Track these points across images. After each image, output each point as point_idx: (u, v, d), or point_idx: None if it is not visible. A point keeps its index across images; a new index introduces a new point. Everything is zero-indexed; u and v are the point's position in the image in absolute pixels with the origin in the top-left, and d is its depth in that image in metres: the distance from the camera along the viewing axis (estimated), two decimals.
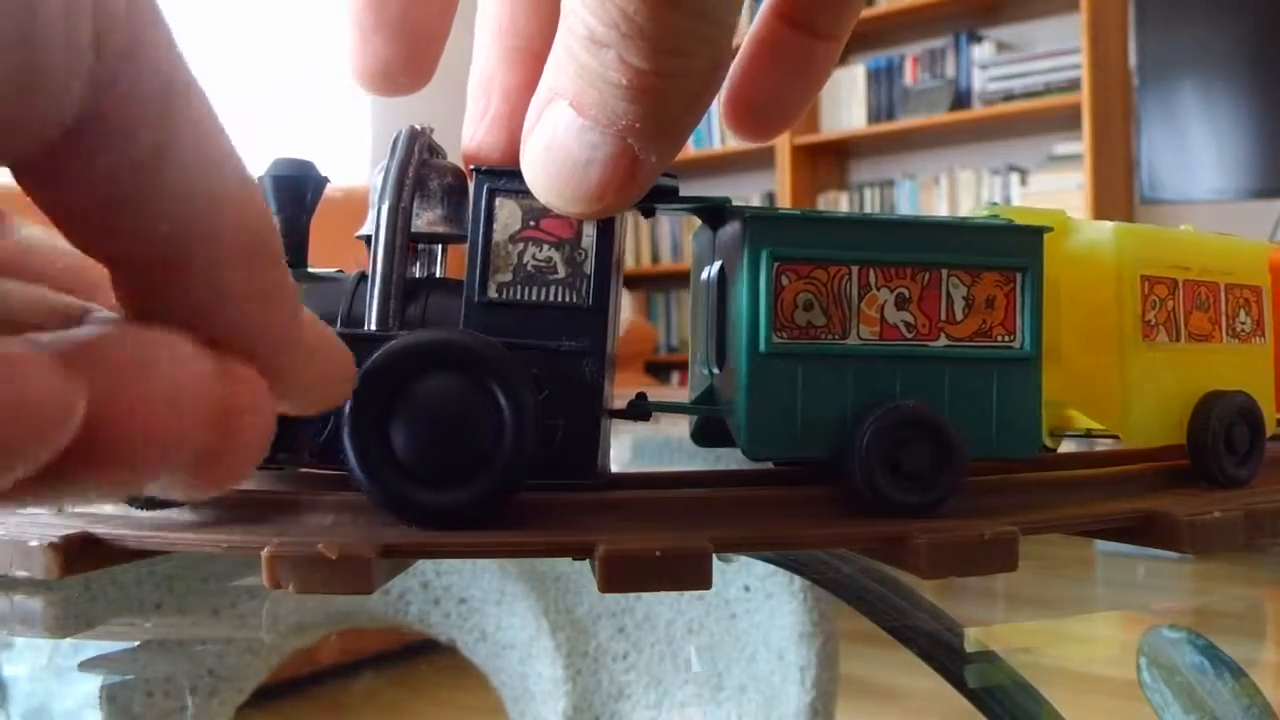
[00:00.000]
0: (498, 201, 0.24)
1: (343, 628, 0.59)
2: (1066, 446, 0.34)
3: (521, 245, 0.24)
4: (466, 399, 0.23)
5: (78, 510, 0.24)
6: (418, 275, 0.27)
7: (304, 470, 0.26)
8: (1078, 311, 0.30)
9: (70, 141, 0.11)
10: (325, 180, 0.27)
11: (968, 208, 2.77)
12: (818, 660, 0.60)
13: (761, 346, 0.25)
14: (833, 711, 0.61)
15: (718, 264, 0.27)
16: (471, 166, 0.24)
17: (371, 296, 0.25)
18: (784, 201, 2.90)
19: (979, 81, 2.74)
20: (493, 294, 0.24)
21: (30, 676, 0.47)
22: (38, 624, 0.39)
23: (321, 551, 0.21)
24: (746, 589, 0.62)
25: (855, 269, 0.25)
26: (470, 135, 0.25)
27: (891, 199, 2.97)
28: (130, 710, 0.47)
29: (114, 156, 0.12)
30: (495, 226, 0.24)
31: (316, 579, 0.21)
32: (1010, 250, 0.26)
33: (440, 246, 0.28)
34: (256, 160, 0.18)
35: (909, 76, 2.89)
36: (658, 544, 0.21)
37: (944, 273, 0.26)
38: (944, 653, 0.41)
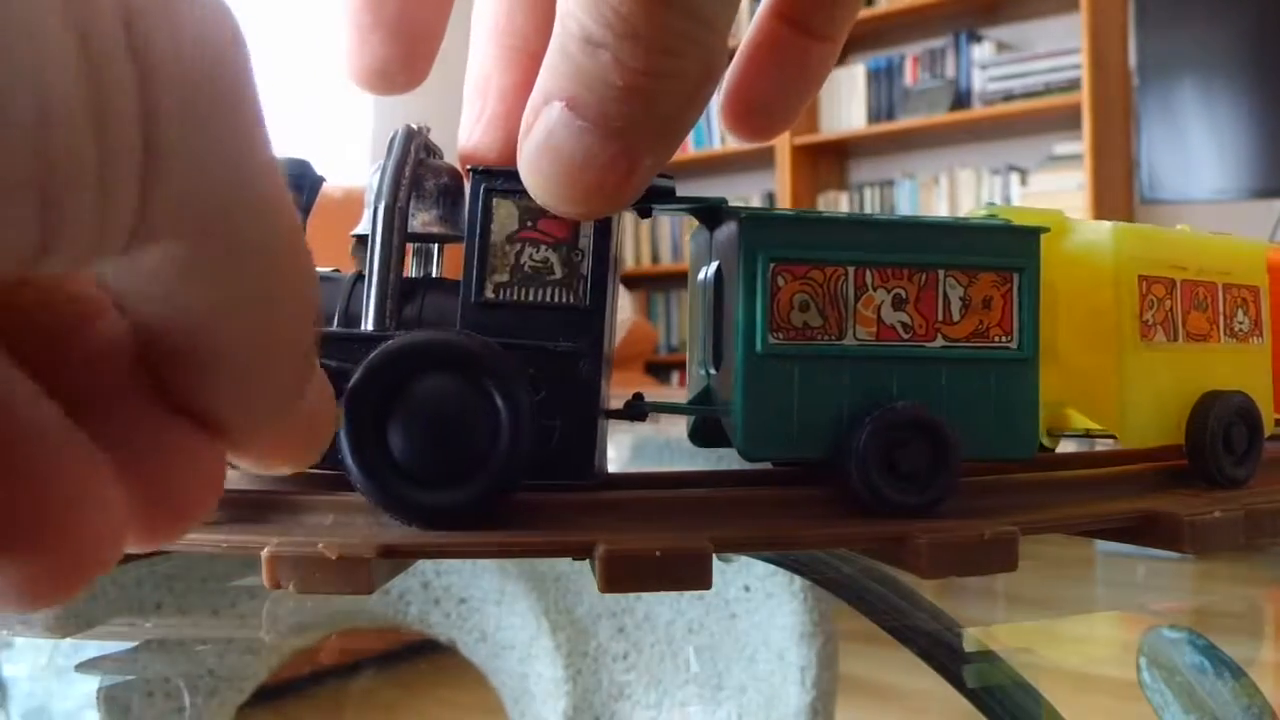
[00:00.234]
0: (495, 202, 0.24)
1: (343, 628, 0.59)
2: (1065, 446, 0.34)
3: (518, 246, 0.24)
4: (463, 399, 0.23)
5: None
6: (414, 275, 0.27)
7: (304, 470, 0.26)
8: (1075, 311, 0.30)
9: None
10: (321, 179, 0.27)
11: (968, 208, 2.77)
12: (818, 660, 0.60)
13: (758, 347, 0.25)
14: (833, 711, 0.61)
15: (715, 264, 0.27)
16: (468, 167, 0.24)
17: (368, 296, 0.25)
18: (784, 201, 2.90)
19: (979, 81, 2.74)
20: (489, 294, 0.24)
21: (30, 676, 0.47)
22: (37, 624, 0.39)
23: (321, 551, 0.21)
24: (746, 589, 0.62)
25: (852, 270, 0.25)
26: (467, 135, 0.25)
27: (891, 199, 2.97)
28: (129, 711, 0.47)
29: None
30: (492, 227, 0.24)
31: (316, 579, 0.21)
32: (1007, 251, 0.26)
33: (437, 246, 0.28)
34: None
35: (909, 76, 2.89)
36: (658, 544, 0.21)
37: (941, 273, 0.26)
38: (944, 653, 0.41)
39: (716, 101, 0.24)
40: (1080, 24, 2.49)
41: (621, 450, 0.55)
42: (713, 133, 3.07)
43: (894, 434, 0.25)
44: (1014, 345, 0.26)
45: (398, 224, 0.25)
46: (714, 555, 0.22)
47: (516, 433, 0.22)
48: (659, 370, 3.11)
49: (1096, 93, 2.47)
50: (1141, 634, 0.43)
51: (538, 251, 0.24)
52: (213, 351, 0.12)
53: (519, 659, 0.64)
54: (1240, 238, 0.34)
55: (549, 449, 0.24)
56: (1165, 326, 0.30)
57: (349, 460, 0.22)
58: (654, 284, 3.27)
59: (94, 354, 0.12)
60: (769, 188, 3.08)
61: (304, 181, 0.26)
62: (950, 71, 2.81)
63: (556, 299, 0.24)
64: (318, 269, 0.27)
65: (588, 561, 0.22)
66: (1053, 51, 2.62)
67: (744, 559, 0.57)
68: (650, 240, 3.28)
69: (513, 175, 0.21)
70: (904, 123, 2.82)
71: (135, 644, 0.48)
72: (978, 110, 2.72)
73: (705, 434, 0.29)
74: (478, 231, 0.24)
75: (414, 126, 0.26)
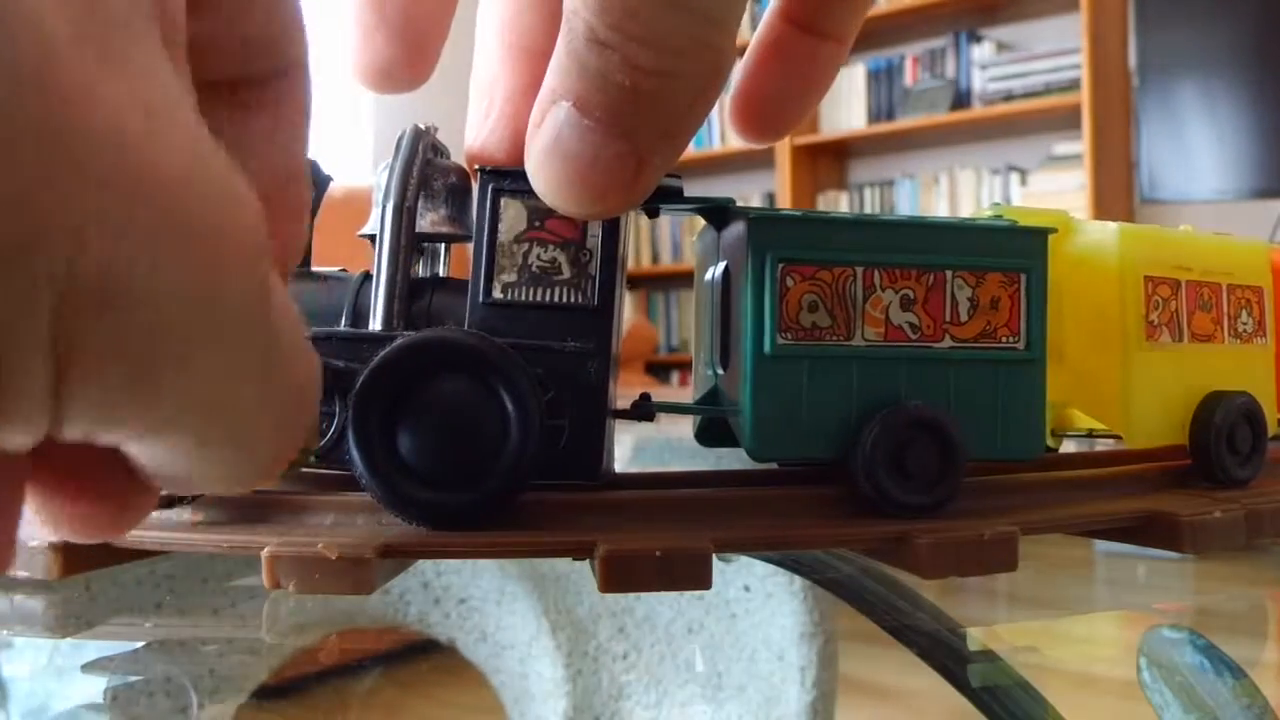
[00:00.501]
0: (502, 202, 0.24)
1: (343, 628, 0.59)
2: (1068, 447, 0.34)
3: (526, 245, 0.24)
4: (471, 399, 0.23)
5: None
6: (421, 275, 0.27)
7: (306, 470, 0.26)
8: (1081, 312, 0.30)
9: None
10: (329, 179, 0.26)
11: (968, 208, 2.77)
12: (818, 660, 0.60)
13: (766, 348, 0.25)
14: (833, 711, 0.61)
15: (722, 265, 0.27)
16: (476, 166, 0.24)
17: (376, 296, 0.25)
18: (784, 201, 2.90)
19: (979, 81, 2.74)
20: (497, 294, 0.24)
21: (30, 676, 0.47)
22: (38, 624, 0.39)
23: (321, 551, 0.21)
24: (746, 589, 0.62)
25: (860, 270, 0.25)
26: (474, 135, 0.25)
27: (891, 199, 2.97)
28: (133, 711, 0.47)
29: None
30: (500, 227, 0.24)
31: (316, 579, 0.21)
32: (1014, 251, 0.26)
33: (444, 246, 0.28)
34: None
35: (909, 76, 2.89)
36: (658, 544, 0.21)
37: (948, 274, 0.26)
38: (944, 653, 0.41)
39: (720, 102, 0.24)
40: (1080, 24, 2.49)
41: (623, 450, 0.55)
42: (712, 133, 3.07)
43: (902, 435, 0.25)
44: (1021, 346, 0.26)
45: (406, 223, 0.25)
46: (714, 555, 0.22)
47: (524, 433, 0.22)
48: (659, 370, 3.11)
49: (1096, 93, 2.47)
50: (1141, 634, 0.43)
51: (546, 251, 0.24)
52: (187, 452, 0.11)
53: (519, 659, 0.64)
54: (1244, 238, 0.34)
55: (557, 449, 0.24)
56: (1170, 327, 0.30)
57: (357, 460, 0.22)
58: (654, 284, 3.27)
59: None
60: (769, 188, 3.08)
61: (312, 181, 0.26)
62: (950, 71, 2.81)
63: (564, 299, 0.24)
64: (321, 269, 0.27)
65: (588, 561, 0.22)
66: (1053, 51, 2.62)
67: (744, 559, 0.57)
68: (650, 240, 3.28)
69: (521, 175, 0.21)
70: (904, 123, 2.82)
71: (140, 644, 0.48)
72: (978, 110, 2.72)
73: (712, 434, 0.29)
74: (486, 231, 0.24)
75: (421, 126, 0.26)
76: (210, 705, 0.51)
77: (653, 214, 0.27)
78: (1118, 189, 2.55)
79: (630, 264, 0.26)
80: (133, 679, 0.47)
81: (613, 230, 0.24)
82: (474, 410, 0.23)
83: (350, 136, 2.61)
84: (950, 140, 2.86)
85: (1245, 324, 0.33)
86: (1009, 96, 2.68)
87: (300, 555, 0.21)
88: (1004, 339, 0.26)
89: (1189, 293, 0.31)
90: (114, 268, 0.10)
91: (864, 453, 0.25)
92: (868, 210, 2.99)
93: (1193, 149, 2.28)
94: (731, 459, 0.29)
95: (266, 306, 0.12)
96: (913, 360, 0.26)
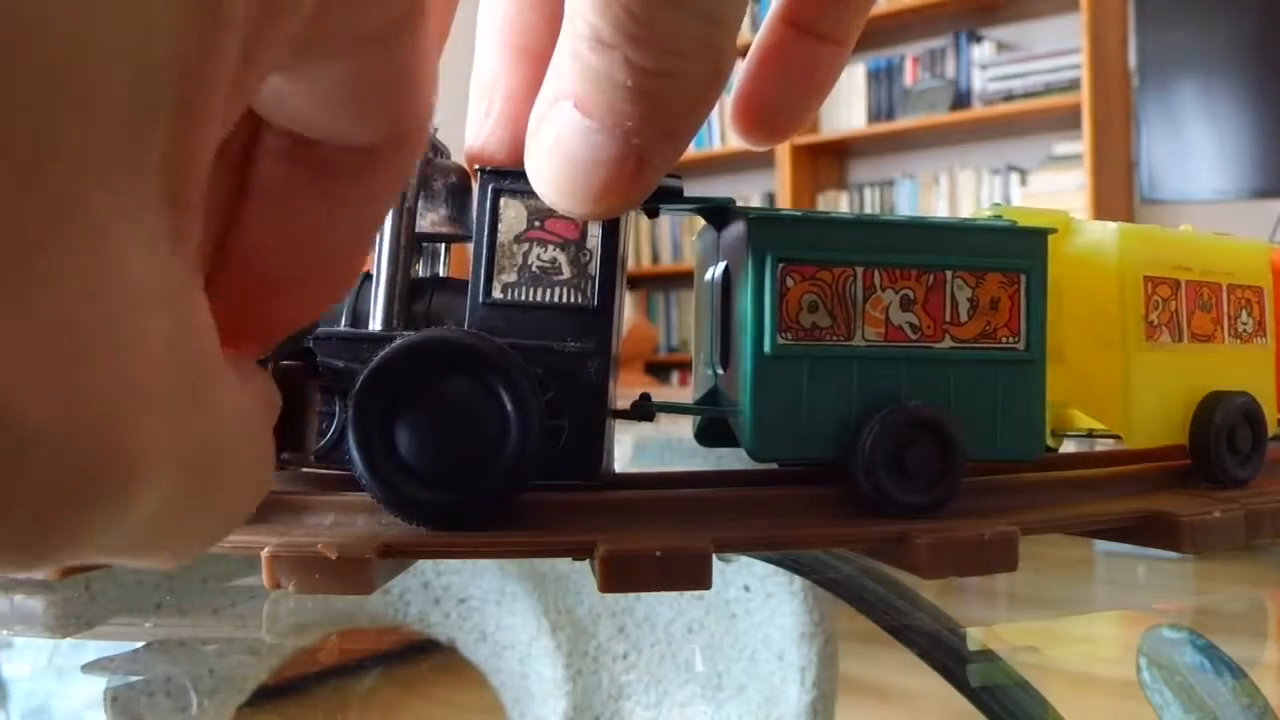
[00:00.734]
0: (503, 202, 0.24)
1: (343, 628, 0.59)
2: (1068, 447, 0.34)
3: (526, 245, 0.24)
4: (471, 399, 0.23)
5: None
6: (421, 274, 0.27)
7: (306, 470, 0.26)
8: (1081, 312, 0.30)
9: None
10: None
11: (968, 208, 2.77)
12: (818, 660, 0.60)
13: (766, 348, 0.25)
14: (833, 711, 0.61)
15: (722, 265, 0.27)
16: (476, 166, 0.24)
17: (376, 296, 0.25)
18: (783, 201, 2.90)
19: (979, 81, 2.74)
20: (497, 294, 0.24)
21: (30, 676, 0.47)
22: (38, 624, 0.39)
23: (321, 551, 0.21)
24: (746, 589, 0.62)
25: (860, 270, 0.25)
26: (474, 135, 0.25)
27: (891, 199, 2.97)
28: (134, 711, 0.47)
29: None
30: (500, 227, 0.24)
31: (316, 579, 0.21)
32: (1014, 252, 0.26)
33: (444, 246, 0.28)
34: None
35: (909, 76, 2.89)
36: (658, 544, 0.21)
37: (949, 274, 0.26)
38: (944, 653, 0.41)
39: (721, 102, 0.24)
40: (1080, 24, 2.49)
41: (623, 450, 0.55)
42: (712, 133, 3.07)
43: (902, 435, 0.25)
44: (1021, 346, 0.26)
45: (406, 223, 0.25)
46: (714, 555, 0.22)
47: (524, 433, 0.22)
48: (659, 370, 3.11)
49: (1096, 93, 2.47)
50: (1141, 634, 0.43)
51: (546, 251, 0.24)
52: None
53: (519, 659, 0.64)
54: (1244, 239, 0.34)
55: (557, 449, 0.24)
56: (1170, 327, 0.30)
57: (357, 460, 0.22)
58: (654, 284, 3.27)
59: None
60: (769, 188, 3.08)
61: None
62: (950, 71, 2.81)
63: (564, 299, 0.24)
64: None
65: (588, 561, 0.22)
66: (1053, 51, 2.62)
67: (744, 559, 0.57)
68: (650, 240, 3.28)
69: (521, 175, 0.21)
70: (904, 123, 2.82)
71: (140, 644, 0.48)
72: (978, 110, 2.72)
73: (712, 434, 0.29)
74: (486, 231, 0.24)
75: None
76: (210, 705, 0.51)
77: (653, 214, 0.27)
78: (1118, 189, 2.55)
79: (630, 264, 0.26)
80: (133, 679, 0.47)
81: (613, 230, 0.24)
82: (474, 410, 0.23)
83: None
84: (950, 140, 2.86)
85: (1245, 324, 0.33)
86: (1009, 96, 2.68)
87: (300, 555, 0.21)
88: (1004, 339, 0.26)
89: (1189, 293, 0.31)
90: None
91: (864, 453, 0.25)
92: (868, 210, 2.99)
93: (1192, 149, 2.28)
94: (731, 459, 0.29)
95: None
96: (913, 360, 0.26)
